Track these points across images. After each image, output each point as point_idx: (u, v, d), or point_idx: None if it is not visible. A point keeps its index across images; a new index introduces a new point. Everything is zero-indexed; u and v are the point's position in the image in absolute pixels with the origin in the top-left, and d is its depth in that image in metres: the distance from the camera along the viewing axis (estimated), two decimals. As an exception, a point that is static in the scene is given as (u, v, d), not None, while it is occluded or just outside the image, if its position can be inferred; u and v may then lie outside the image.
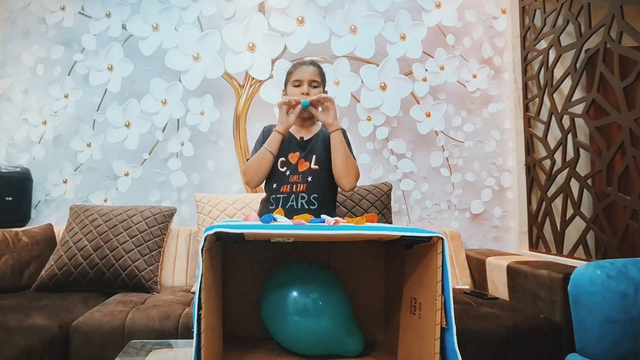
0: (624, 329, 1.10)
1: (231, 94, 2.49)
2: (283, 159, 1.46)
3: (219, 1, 2.48)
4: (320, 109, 1.44)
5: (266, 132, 1.52)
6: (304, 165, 1.45)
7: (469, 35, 2.54)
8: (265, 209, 1.48)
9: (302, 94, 1.44)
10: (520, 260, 1.94)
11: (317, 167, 1.45)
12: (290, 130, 1.50)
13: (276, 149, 1.43)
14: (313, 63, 1.51)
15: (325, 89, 1.54)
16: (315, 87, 1.47)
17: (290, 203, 1.42)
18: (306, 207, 1.41)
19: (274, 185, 1.45)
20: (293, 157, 1.47)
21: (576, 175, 2.04)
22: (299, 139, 1.50)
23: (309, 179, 1.44)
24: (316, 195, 1.43)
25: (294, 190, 1.43)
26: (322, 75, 1.51)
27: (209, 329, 0.80)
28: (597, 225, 1.89)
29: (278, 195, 1.44)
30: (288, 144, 1.48)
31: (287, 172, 1.45)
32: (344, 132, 1.53)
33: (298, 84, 1.46)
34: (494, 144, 2.53)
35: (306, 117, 1.51)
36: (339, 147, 1.42)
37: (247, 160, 1.50)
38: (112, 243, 1.90)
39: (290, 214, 1.34)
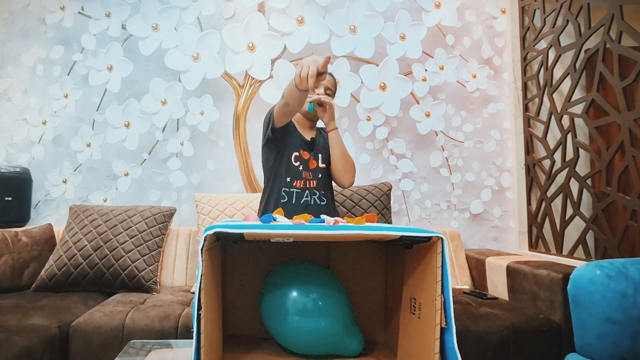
0: (624, 329, 1.10)
1: (231, 94, 2.49)
2: (296, 153, 1.52)
3: (218, 1, 2.48)
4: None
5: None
6: (313, 163, 1.53)
7: (468, 35, 2.54)
8: (276, 202, 1.49)
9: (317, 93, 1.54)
10: (520, 260, 1.94)
11: (324, 165, 1.54)
12: (298, 129, 1.56)
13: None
14: (331, 74, 1.60)
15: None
16: (328, 95, 1.56)
17: (304, 198, 1.49)
18: (318, 202, 1.50)
19: (288, 179, 1.50)
20: (305, 154, 1.53)
21: (576, 175, 2.04)
22: (308, 139, 1.56)
23: (319, 175, 1.52)
24: (324, 192, 1.53)
25: (307, 186, 1.50)
26: (335, 86, 1.61)
27: (208, 329, 0.80)
28: (597, 225, 1.89)
29: (292, 190, 1.49)
30: (297, 142, 1.54)
31: (300, 168, 1.51)
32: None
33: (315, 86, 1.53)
34: (494, 144, 2.54)
35: (310, 119, 1.60)
36: (337, 144, 1.53)
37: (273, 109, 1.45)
38: (111, 243, 1.90)
39: (303, 209, 1.44)
